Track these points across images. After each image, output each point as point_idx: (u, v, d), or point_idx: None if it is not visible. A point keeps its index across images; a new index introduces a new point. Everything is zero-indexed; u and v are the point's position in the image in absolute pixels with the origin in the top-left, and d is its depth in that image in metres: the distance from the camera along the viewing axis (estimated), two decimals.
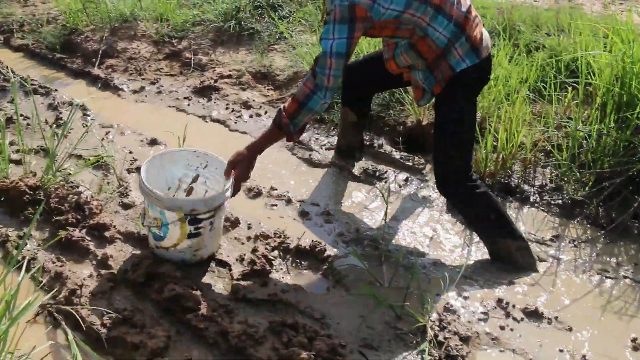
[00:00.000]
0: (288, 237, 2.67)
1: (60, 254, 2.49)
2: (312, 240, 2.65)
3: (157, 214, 2.35)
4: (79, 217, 2.64)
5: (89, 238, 2.56)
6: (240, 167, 2.41)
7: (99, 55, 4.48)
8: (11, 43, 4.75)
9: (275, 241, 2.65)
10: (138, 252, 2.52)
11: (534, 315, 2.32)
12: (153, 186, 2.38)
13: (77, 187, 2.88)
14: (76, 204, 2.69)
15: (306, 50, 4.32)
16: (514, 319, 2.30)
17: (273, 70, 4.21)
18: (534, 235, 2.77)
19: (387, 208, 2.82)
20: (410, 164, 3.34)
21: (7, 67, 4.25)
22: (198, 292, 2.28)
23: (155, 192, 2.30)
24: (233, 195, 2.42)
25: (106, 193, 2.91)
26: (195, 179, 2.64)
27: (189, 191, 2.66)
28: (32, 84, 4.01)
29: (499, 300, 2.38)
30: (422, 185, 3.18)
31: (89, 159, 3.09)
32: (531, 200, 3.03)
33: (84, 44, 4.70)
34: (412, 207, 2.98)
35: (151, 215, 2.39)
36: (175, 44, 4.56)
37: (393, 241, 2.72)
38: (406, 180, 3.21)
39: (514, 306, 2.34)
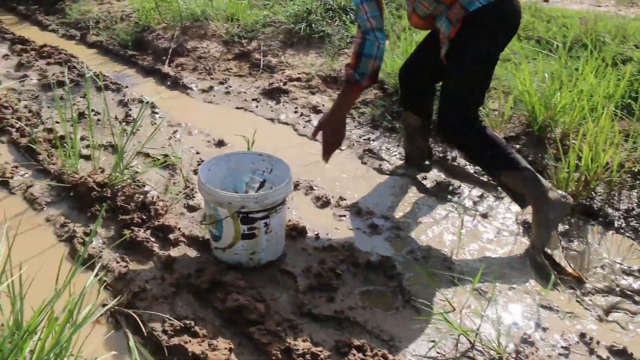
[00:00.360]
0: (357, 251, 2.55)
1: (124, 254, 2.45)
2: (382, 256, 2.52)
3: (211, 210, 2.28)
4: (144, 217, 2.60)
5: (153, 239, 2.51)
6: (327, 129, 2.62)
7: (169, 54, 4.49)
8: (87, 39, 4.83)
9: (343, 254, 2.53)
10: (202, 256, 2.45)
11: (622, 355, 2.10)
12: (220, 187, 2.30)
13: (144, 186, 2.84)
14: (142, 203, 2.65)
15: None
16: (599, 357, 2.09)
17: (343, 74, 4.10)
18: (620, 264, 2.55)
19: (462, 227, 2.66)
20: (485, 179, 3.15)
21: (81, 63, 4.31)
22: (262, 305, 2.18)
23: (207, 186, 2.23)
24: (325, 159, 2.72)
25: (172, 194, 2.87)
26: (262, 185, 2.55)
27: None
28: (104, 80, 4.05)
29: (582, 335, 2.17)
30: (497, 203, 2.99)
31: (157, 158, 3.06)
32: (616, 225, 2.79)
33: (155, 41, 4.72)
34: (487, 226, 2.81)
35: (207, 212, 2.33)
36: (244, 45, 4.52)
37: (467, 262, 2.55)
38: (481, 196, 3.03)
39: (598, 343, 2.14)
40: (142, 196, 2.67)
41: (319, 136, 2.70)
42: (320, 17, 4.58)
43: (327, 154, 2.64)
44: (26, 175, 3.03)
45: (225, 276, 2.27)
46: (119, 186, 2.76)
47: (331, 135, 2.63)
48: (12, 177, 2.96)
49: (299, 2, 4.72)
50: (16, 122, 3.44)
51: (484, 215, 2.88)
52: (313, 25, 4.51)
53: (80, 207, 2.75)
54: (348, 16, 4.62)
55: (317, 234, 2.66)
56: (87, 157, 3.12)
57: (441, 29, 2.54)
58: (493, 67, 2.60)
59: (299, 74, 4.17)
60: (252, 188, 2.57)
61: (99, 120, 3.56)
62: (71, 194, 2.81)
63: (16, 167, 3.06)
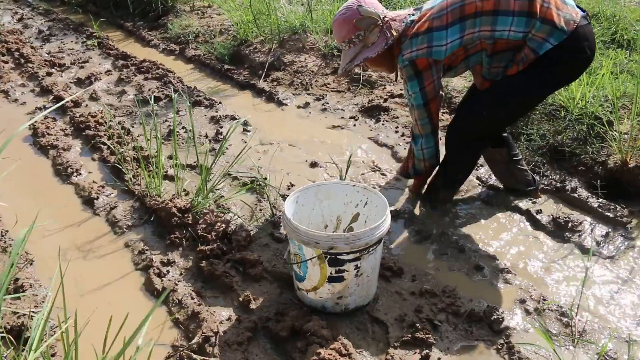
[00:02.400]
0: (459, 298, 2.18)
1: (201, 288, 2.24)
2: (488, 305, 2.14)
3: (296, 248, 2.01)
4: (225, 248, 2.38)
5: (232, 273, 2.28)
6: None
7: (266, 68, 4.31)
8: (185, 54, 4.78)
9: (443, 301, 2.17)
10: (284, 296, 2.19)
11: None
12: (309, 222, 2.03)
13: (228, 212, 2.63)
14: (223, 233, 2.43)
15: None
16: None
17: (449, 91, 3.73)
18: None
19: (586, 273, 2.21)
20: (611, 214, 2.66)
21: (177, 78, 4.23)
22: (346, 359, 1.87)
23: (292, 222, 1.95)
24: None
25: (257, 221, 2.63)
26: (355, 218, 2.25)
27: (348, 231, 2.27)
28: (197, 96, 3.92)
29: None
30: (627, 243, 2.50)
31: (244, 182, 2.85)
32: None
33: (251, 55, 4.57)
34: (616, 272, 2.33)
35: (292, 251, 2.05)
36: None
37: (591, 318, 2.10)
38: (606, 235, 2.55)
39: None
40: (223, 225, 2.45)
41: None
42: None
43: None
44: (112, 195, 2.93)
45: (307, 323, 1.99)
46: (201, 212, 2.56)
47: None
48: (97, 198, 2.86)
49: None
50: (108, 139, 3.38)
51: (610, 258, 2.41)
52: None
53: (161, 233, 2.59)
54: None
55: (414, 276, 2.31)
56: (172, 178, 2.97)
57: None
58: (531, 104, 2.60)
59: (400, 90, 3.83)
60: (344, 222, 2.27)
61: (189, 137, 3.42)
62: (152, 218, 2.65)
63: (102, 186, 2.96)
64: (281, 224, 2.06)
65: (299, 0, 5.14)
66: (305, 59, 4.37)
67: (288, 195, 2.76)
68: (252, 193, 2.88)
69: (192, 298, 2.18)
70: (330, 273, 1.98)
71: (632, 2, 4.47)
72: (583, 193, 2.80)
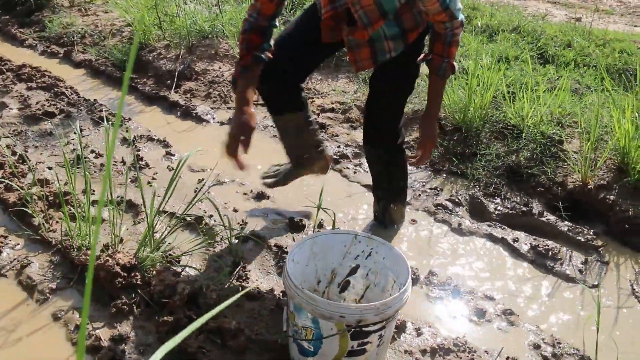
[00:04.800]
0: (474, 351, 1.96)
1: None
2: (507, 357, 1.94)
3: (307, 321, 1.66)
4: (193, 315, 1.93)
5: (209, 347, 1.85)
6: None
7: (175, 77, 3.79)
8: (72, 58, 4.07)
9: (459, 357, 1.94)
10: None
11: None
12: (301, 278, 1.68)
13: (180, 265, 2.17)
14: (189, 296, 1.98)
15: (418, 82, 3.62)
16: None
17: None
18: None
19: (598, 311, 2.10)
20: (582, 238, 2.61)
21: (70, 88, 3.56)
22: None
23: (306, 293, 1.60)
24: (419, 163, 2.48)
25: (217, 273, 2.20)
26: (353, 271, 1.93)
27: (344, 285, 1.95)
28: (99, 111, 3.33)
29: None
30: (604, 269, 2.45)
31: (184, 219, 2.38)
32: None
33: (156, 61, 4.00)
34: (611, 302, 2.26)
35: (299, 323, 1.69)
36: None
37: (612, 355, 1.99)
38: (585, 262, 2.48)
39: None
40: (188, 286, 1.99)
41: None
42: None
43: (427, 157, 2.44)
44: (18, 247, 2.32)
45: None
46: (150, 269, 2.08)
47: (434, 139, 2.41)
48: (0, 252, 2.25)
49: None
50: None
51: (596, 287, 2.35)
52: None
53: (99, 297, 2.06)
54: None
55: (417, 329, 2.05)
56: (94, 219, 2.43)
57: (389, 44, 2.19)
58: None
59: (332, 103, 3.55)
60: (340, 275, 1.94)
61: (102, 165, 2.86)
62: (84, 275, 2.12)
63: (5, 236, 2.34)
64: (284, 287, 1.69)
65: (202, 1, 4.61)
66: (220, 67, 3.91)
67: (245, 235, 2.38)
68: (193, 232, 2.44)
69: None
70: (352, 347, 1.66)
71: (551, 17, 4.57)
72: (551, 218, 2.72)
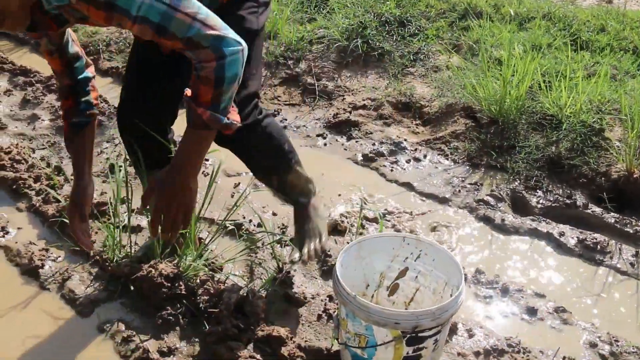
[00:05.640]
0: (529, 352, 1.90)
1: None
2: (564, 357, 1.87)
3: (360, 329, 1.61)
4: (240, 324, 1.90)
5: (259, 357, 1.82)
6: (172, 196, 1.60)
7: None
8: (99, 66, 4.06)
9: (514, 358, 1.88)
10: None
11: None
12: (350, 283, 1.64)
13: (223, 273, 2.14)
14: (236, 305, 1.95)
15: (449, 75, 3.56)
16: None
17: (417, 100, 3.44)
18: None
19: None
20: (630, 230, 2.52)
21: (99, 97, 3.55)
22: None
23: (358, 300, 1.56)
24: (162, 251, 2.04)
25: (260, 280, 2.17)
26: (402, 273, 1.88)
27: (393, 289, 1.90)
28: None
29: None
30: None
31: (225, 225, 2.35)
32: None
33: None
34: None
35: (351, 330, 1.65)
36: (292, 67, 3.82)
37: None
38: (636, 255, 2.39)
39: None
40: (234, 295, 1.96)
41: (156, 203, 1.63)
42: (376, 31, 3.90)
43: (167, 231, 1.65)
44: (59, 259, 2.31)
45: None
46: (193, 278, 2.06)
47: (177, 207, 1.61)
48: (42, 266, 2.24)
49: (350, 15, 4.03)
50: (35, 183, 2.71)
51: None
52: (370, 41, 3.82)
53: (143, 309, 2.05)
54: (407, 29, 3.96)
55: (469, 329, 1.99)
56: (136, 229, 2.41)
57: None
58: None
59: (363, 100, 3.49)
60: (389, 278, 1.89)
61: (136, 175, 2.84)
62: (131, 287, 2.10)
63: (46, 249, 2.33)
64: (334, 295, 1.64)
65: None
66: None
67: (285, 242, 2.35)
68: (233, 237, 2.41)
69: None
70: (407, 353, 1.61)
71: (581, 1, 4.46)
72: (596, 209, 2.64)
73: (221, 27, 1.46)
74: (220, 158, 2.69)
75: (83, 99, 1.88)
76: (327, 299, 2.07)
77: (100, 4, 1.41)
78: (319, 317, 1.99)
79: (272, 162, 2.07)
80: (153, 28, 1.42)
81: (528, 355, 1.88)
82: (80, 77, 1.87)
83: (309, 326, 1.96)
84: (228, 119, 1.53)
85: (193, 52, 1.45)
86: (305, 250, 2.12)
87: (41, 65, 4.03)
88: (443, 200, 2.71)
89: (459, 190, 2.77)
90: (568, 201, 2.69)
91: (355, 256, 1.81)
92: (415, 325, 1.53)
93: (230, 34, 1.47)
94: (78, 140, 1.90)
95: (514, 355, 1.88)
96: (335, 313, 1.78)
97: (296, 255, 2.12)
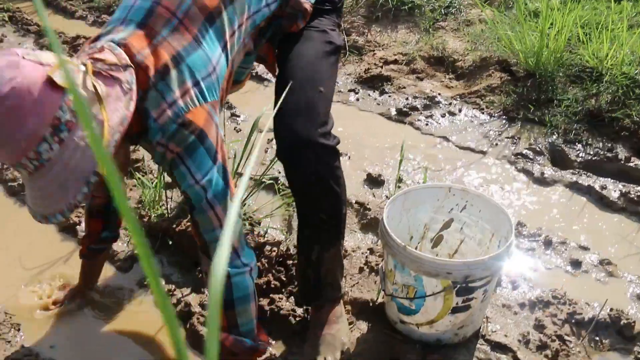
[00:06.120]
0: (576, 303, 1.87)
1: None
2: (611, 309, 1.83)
3: (409, 280, 1.58)
4: (282, 277, 1.89)
5: (299, 312, 1.81)
6: None
7: None
8: None
9: (560, 309, 1.84)
10: (376, 332, 1.76)
11: None
12: (394, 235, 1.60)
13: (266, 229, 2.12)
14: (276, 258, 1.93)
15: (482, 29, 3.45)
16: None
17: (449, 54, 3.35)
18: None
19: None
20: None
21: None
22: None
23: (410, 251, 1.52)
24: None
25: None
26: (447, 225, 1.84)
27: (437, 240, 1.87)
28: None
29: None
30: None
31: (261, 180, 2.32)
32: None
33: None
34: None
35: (399, 281, 1.62)
36: None
37: None
38: None
39: None
40: (274, 248, 1.94)
41: None
42: None
43: None
44: None
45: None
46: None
47: None
48: (79, 222, 2.24)
49: None
50: None
51: None
52: None
53: (182, 263, 2.04)
54: None
55: (513, 282, 1.96)
56: (171, 185, 2.39)
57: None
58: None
59: (394, 55, 3.41)
60: (433, 230, 1.86)
61: None
62: (169, 242, 2.09)
63: (83, 206, 2.32)
64: (382, 245, 1.61)
65: None
66: None
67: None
68: (269, 192, 2.38)
69: None
70: (456, 304, 1.58)
71: None
72: (639, 162, 2.56)
73: (239, 247, 1.41)
74: (251, 114, 2.66)
75: (109, 224, 1.80)
76: (368, 252, 2.05)
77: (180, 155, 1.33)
78: (361, 269, 1.97)
79: (330, 210, 1.59)
80: (193, 200, 1.36)
81: (574, 307, 1.85)
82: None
83: (350, 279, 1.94)
84: (254, 341, 1.46)
85: (202, 258, 1.44)
86: None
87: (66, 27, 3.99)
88: (481, 154, 2.65)
89: (497, 144, 2.71)
90: (609, 154, 2.62)
91: (401, 208, 1.77)
92: (467, 275, 1.49)
93: (242, 254, 1.41)
94: (93, 260, 1.87)
95: (559, 307, 1.85)
96: (381, 265, 1.75)
97: None
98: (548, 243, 2.14)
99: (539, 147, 2.68)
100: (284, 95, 1.42)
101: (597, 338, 1.79)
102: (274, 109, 1.55)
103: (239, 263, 1.41)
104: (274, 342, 1.73)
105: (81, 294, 1.90)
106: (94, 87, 1.17)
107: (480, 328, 1.77)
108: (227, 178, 1.38)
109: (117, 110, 1.20)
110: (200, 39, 1.35)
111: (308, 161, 1.47)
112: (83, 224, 2.22)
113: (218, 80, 1.38)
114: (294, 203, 2.23)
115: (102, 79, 1.20)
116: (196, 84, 1.32)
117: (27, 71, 1.10)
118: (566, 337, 1.75)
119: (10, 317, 1.84)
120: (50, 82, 1.11)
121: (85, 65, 1.19)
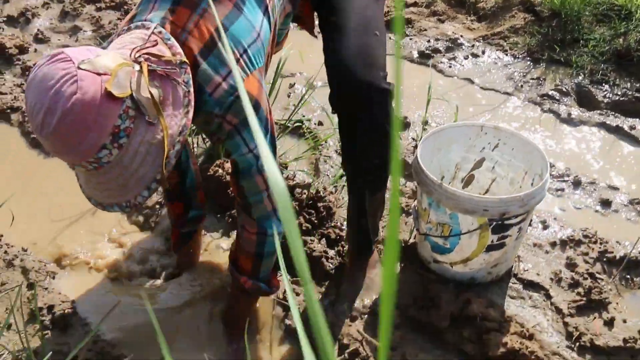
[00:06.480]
0: (606, 242, 1.86)
1: (293, 281, 1.77)
2: None
3: (445, 218, 1.58)
4: (313, 219, 1.89)
5: (332, 253, 1.82)
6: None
7: None
8: None
9: (591, 248, 1.85)
10: (408, 273, 1.77)
11: None
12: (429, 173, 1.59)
13: (294, 172, 2.11)
14: (307, 201, 1.93)
15: None
16: None
17: None
18: None
19: None
20: None
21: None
22: (532, 343, 1.52)
23: (446, 188, 1.52)
24: None
25: (327, 176, 2.14)
26: (478, 164, 1.83)
27: (468, 180, 1.86)
28: None
29: None
30: None
31: (287, 124, 2.30)
32: None
33: None
34: None
35: (434, 220, 1.62)
36: None
37: None
38: None
39: None
40: (305, 190, 1.94)
41: None
42: None
43: None
44: None
45: (466, 305, 1.60)
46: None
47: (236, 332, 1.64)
48: None
49: None
50: None
51: None
52: None
53: (213, 207, 2.04)
54: None
55: (543, 221, 1.96)
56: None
57: None
58: None
59: None
60: (464, 170, 1.84)
61: None
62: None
63: None
64: (417, 183, 1.59)
65: None
66: None
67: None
68: (294, 136, 2.36)
69: (295, 293, 1.71)
70: (491, 242, 1.58)
71: None
72: None
73: (277, 205, 1.36)
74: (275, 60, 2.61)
75: (191, 202, 1.75)
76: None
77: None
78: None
79: (384, 155, 1.52)
80: (242, 168, 1.37)
81: (605, 246, 1.85)
82: (188, 174, 1.72)
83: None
84: (268, 285, 1.54)
85: (241, 214, 1.47)
86: (356, 304, 1.70)
87: None
88: (506, 95, 2.61)
89: (522, 85, 2.67)
90: (638, 95, 2.57)
91: (433, 147, 1.75)
92: (503, 212, 1.49)
93: (279, 213, 1.37)
94: (188, 246, 1.81)
95: (590, 246, 1.85)
96: (414, 205, 1.75)
97: (344, 306, 1.69)
98: (577, 183, 2.13)
99: (565, 88, 2.63)
100: (338, 41, 1.42)
101: (629, 276, 1.80)
102: (326, 60, 1.51)
103: (276, 221, 1.45)
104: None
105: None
106: (150, 93, 1.14)
107: (512, 267, 1.77)
108: (275, 144, 1.45)
109: (176, 117, 1.18)
110: (241, 5, 1.31)
111: (370, 106, 1.45)
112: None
113: (263, 45, 1.35)
114: (320, 146, 2.24)
115: (158, 79, 1.17)
116: (244, 52, 1.29)
117: (87, 85, 1.08)
118: (598, 275, 1.75)
119: (45, 265, 1.86)
120: (108, 94, 1.09)
121: (139, 64, 1.15)
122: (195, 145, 2.23)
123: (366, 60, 1.45)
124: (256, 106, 1.31)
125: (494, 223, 1.52)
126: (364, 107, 1.45)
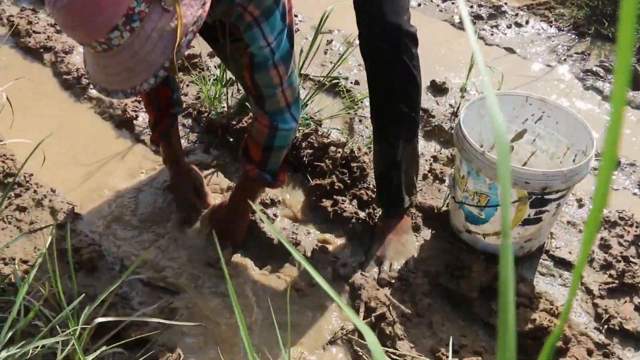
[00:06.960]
0: None
1: (325, 239, 1.75)
2: None
3: (483, 187, 1.55)
4: (346, 179, 1.86)
5: (364, 214, 1.80)
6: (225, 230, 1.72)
7: None
8: None
9: (627, 231, 1.81)
10: (440, 240, 1.75)
11: None
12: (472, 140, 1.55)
13: (329, 130, 2.08)
14: (341, 160, 1.90)
15: None
16: None
17: None
18: None
19: None
20: None
21: None
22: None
23: (488, 156, 1.48)
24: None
25: (361, 136, 2.11)
26: (519, 136, 1.78)
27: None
28: None
29: None
30: None
31: (323, 82, 2.26)
32: None
33: None
34: None
35: (471, 189, 1.59)
36: None
37: None
38: None
39: None
40: (339, 149, 1.91)
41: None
42: None
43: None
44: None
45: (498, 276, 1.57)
46: (301, 134, 2.00)
47: (231, 232, 1.72)
48: (136, 117, 2.22)
49: None
50: None
51: None
52: None
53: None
54: None
55: (579, 200, 1.92)
56: (229, 82, 2.34)
57: None
58: None
59: None
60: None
61: None
62: (229, 138, 2.07)
63: (139, 101, 2.30)
64: (458, 150, 1.55)
65: None
66: None
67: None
68: (332, 97, 2.32)
69: (321, 250, 1.70)
70: (528, 215, 1.55)
71: None
72: None
73: (291, 100, 1.46)
74: (311, 15, 2.56)
75: (174, 92, 1.76)
76: (432, 159, 2.00)
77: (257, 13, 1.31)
78: (425, 176, 1.93)
79: (412, 101, 1.57)
80: (258, 62, 1.37)
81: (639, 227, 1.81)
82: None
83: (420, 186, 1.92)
84: (273, 178, 1.58)
85: (254, 106, 1.49)
86: (386, 267, 1.65)
87: None
88: (548, 68, 2.53)
89: (565, 59, 2.58)
90: None
91: (476, 114, 1.70)
92: (545, 186, 1.45)
93: (292, 108, 1.48)
94: (173, 132, 1.81)
95: (626, 228, 1.81)
96: (451, 171, 1.71)
97: (372, 269, 1.66)
98: (616, 164, 2.07)
99: (610, 65, 2.54)
100: None
101: None
102: (356, 3, 1.52)
103: (289, 117, 1.48)
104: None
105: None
106: None
107: (544, 243, 1.74)
108: (292, 40, 1.40)
109: (192, 7, 1.15)
110: None
111: (398, 49, 1.47)
112: (139, 118, 2.21)
113: None
114: (355, 106, 2.20)
115: None
116: None
117: None
118: (632, 259, 1.71)
119: (73, 207, 1.85)
120: None
121: None
122: (229, 95, 2.19)
123: (394, 3, 1.47)
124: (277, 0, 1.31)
125: (534, 197, 1.49)
126: (392, 51, 1.47)
